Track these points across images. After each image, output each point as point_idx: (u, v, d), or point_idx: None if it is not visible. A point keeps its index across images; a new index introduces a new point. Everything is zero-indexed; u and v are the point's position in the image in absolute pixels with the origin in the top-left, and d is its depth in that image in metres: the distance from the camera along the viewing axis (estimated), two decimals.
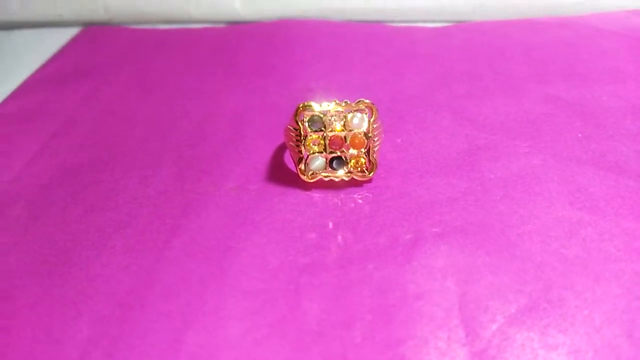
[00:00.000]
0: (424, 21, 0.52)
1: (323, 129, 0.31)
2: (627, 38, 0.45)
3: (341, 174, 0.32)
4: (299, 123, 0.31)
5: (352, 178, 0.32)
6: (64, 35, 0.51)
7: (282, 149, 0.35)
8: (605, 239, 0.27)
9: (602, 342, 0.23)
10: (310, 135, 0.31)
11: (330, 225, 0.29)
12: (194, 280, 0.26)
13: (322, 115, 0.31)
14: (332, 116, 0.31)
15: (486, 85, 0.41)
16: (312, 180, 0.32)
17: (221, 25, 0.53)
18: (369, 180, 0.32)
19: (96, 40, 0.49)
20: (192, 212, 0.30)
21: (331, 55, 0.46)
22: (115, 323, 0.24)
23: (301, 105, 0.30)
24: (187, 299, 0.25)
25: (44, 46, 0.50)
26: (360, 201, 0.31)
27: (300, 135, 0.31)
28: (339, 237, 0.28)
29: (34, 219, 0.30)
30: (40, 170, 0.34)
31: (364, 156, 0.32)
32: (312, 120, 0.31)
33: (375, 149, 0.32)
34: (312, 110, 0.31)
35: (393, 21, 0.52)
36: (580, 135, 0.35)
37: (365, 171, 0.32)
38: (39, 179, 0.33)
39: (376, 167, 0.32)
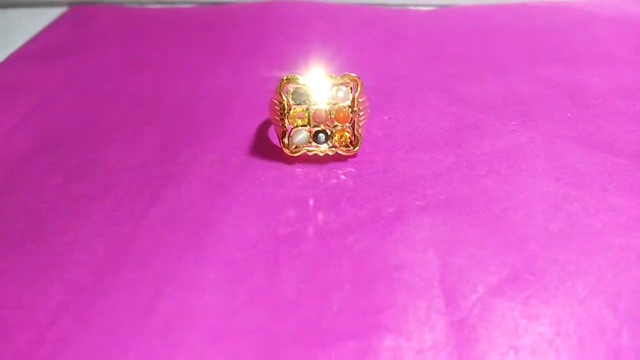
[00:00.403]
0: (416, 5, 0.52)
1: (307, 102, 0.30)
2: (618, 23, 0.44)
3: (325, 148, 0.31)
4: (283, 96, 0.30)
5: (337, 153, 0.31)
6: (52, 15, 0.51)
7: (267, 124, 0.35)
8: (591, 214, 0.27)
9: (585, 314, 0.22)
10: (294, 109, 0.31)
11: (312, 199, 0.29)
12: (170, 249, 0.25)
13: (306, 88, 0.30)
14: (316, 89, 0.30)
15: (476, 67, 0.40)
16: (295, 154, 0.31)
17: (211, 5, 0.52)
18: (354, 155, 0.32)
19: (83, 18, 0.49)
20: (172, 183, 0.29)
21: (321, 36, 0.45)
22: (88, 289, 0.23)
23: (285, 77, 0.30)
24: (163, 267, 0.24)
25: (32, 25, 0.49)
26: (343, 177, 0.31)
27: (284, 108, 0.30)
28: (321, 210, 0.28)
29: (10, 188, 0.29)
30: (19, 142, 0.33)
31: (349, 130, 0.31)
32: (296, 93, 0.30)
33: (361, 123, 0.31)
34: (297, 83, 0.30)
35: (385, 4, 0.52)
36: (569, 115, 0.34)
37: (350, 146, 0.31)
38: (17, 150, 0.32)
39: (361, 142, 0.31)
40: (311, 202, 0.28)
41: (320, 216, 0.27)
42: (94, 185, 0.29)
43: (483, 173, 0.30)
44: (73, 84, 0.39)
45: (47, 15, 0.52)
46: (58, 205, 0.28)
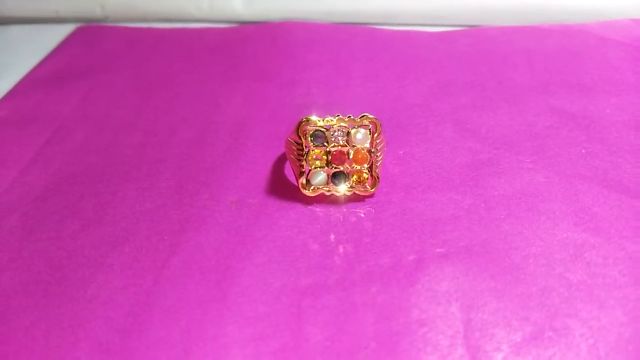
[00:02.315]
0: (425, 25, 0.52)
1: (326, 144, 0.30)
2: (631, 47, 0.44)
3: (343, 189, 0.31)
4: (302, 137, 0.30)
5: (354, 193, 0.31)
6: (59, 32, 0.50)
7: (282, 159, 0.35)
8: (609, 264, 0.27)
9: None
10: (312, 150, 0.30)
11: (333, 243, 0.29)
12: (193, 303, 0.25)
13: (325, 130, 0.30)
14: (335, 131, 0.30)
15: (489, 95, 0.40)
16: (313, 195, 0.31)
17: (221, 25, 0.52)
18: (371, 195, 0.32)
19: (91, 39, 0.48)
20: (191, 228, 0.29)
21: (332, 60, 0.45)
22: (113, 350, 0.23)
23: (304, 119, 0.30)
24: (187, 324, 0.24)
25: (40, 42, 0.48)
26: (362, 215, 0.31)
27: (302, 149, 0.30)
28: (341, 258, 0.28)
29: (28, 232, 0.29)
30: (35, 180, 0.33)
31: (367, 171, 0.31)
32: (314, 135, 0.30)
33: (378, 163, 0.31)
34: (315, 125, 0.30)
35: (393, 24, 0.52)
36: (584, 151, 0.34)
37: (368, 186, 0.31)
38: (33, 189, 0.32)
39: (378, 182, 0.31)
40: (331, 249, 0.28)
41: (341, 264, 0.28)
42: (112, 230, 0.29)
43: (501, 216, 0.30)
44: (84, 114, 0.39)
45: (50, 33, 0.51)
46: (78, 253, 0.28)
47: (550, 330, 0.24)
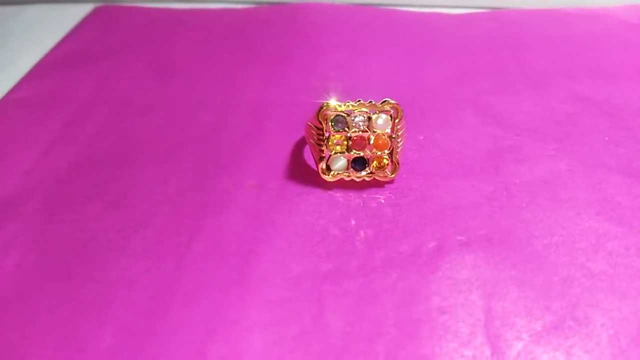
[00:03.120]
0: (444, 6, 0.51)
1: (346, 129, 0.30)
2: None
3: (363, 174, 0.31)
4: (322, 122, 0.30)
5: (374, 178, 0.31)
6: (76, 12, 0.50)
7: (301, 143, 0.35)
8: (631, 254, 0.27)
9: None
10: (333, 135, 0.30)
11: (352, 230, 0.29)
12: (215, 287, 0.25)
13: (345, 115, 0.30)
14: (355, 116, 0.30)
15: (511, 80, 0.40)
16: (333, 180, 0.31)
17: (237, 5, 0.52)
18: (391, 181, 0.32)
19: (109, 20, 0.48)
20: (211, 213, 0.29)
21: (350, 43, 0.44)
22: (138, 332, 0.23)
23: (325, 104, 0.30)
24: (209, 308, 0.24)
25: (57, 22, 0.48)
26: (382, 201, 0.31)
27: (322, 134, 0.30)
28: (361, 243, 0.28)
29: (50, 213, 0.30)
30: (56, 162, 0.33)
31: (387, 157, 0.31)
32: (335, 120, 0.30)
33: (398, 149, 0.31)
34: (336, 110, 0.30)
35: (412, 5, 0.51)
36: (607, 139, 0.34)
37: (388, 172, 0.31)
38: (55, 171, 0.32)
39: (398, 168, 0.31)
40: (351, 235, 0.28)
41: (361, 250, 0.28)
42: (133, 214, 0.29)
43: (523, 204, 0.30)
44: (104, 96, 0.39)
45: (66, 13, 0.51)
46: (101, 236, 0.28)
47: (571, 319, 0.24)
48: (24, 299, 0.25)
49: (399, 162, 0.31)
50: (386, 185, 0.32)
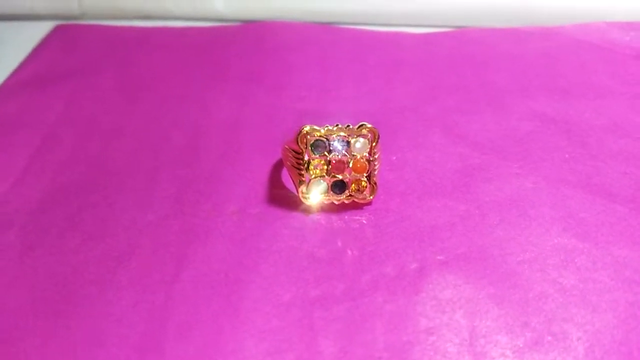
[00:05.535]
0: (408, 25, 0.52)
1: (326, 153, 0.31)
2: (605, 51, 0.46)
3: (342, 197, 0.32)
4: (302, 147, 0.30)
5: (353, 201, 0.32)
6: (35, 30, 0.48)
7: (278, 165, 0.35)
8: (598, 268, 0.29)
9: None
10: (313, 160, 0.31)
11: (337, 252, 0.29)
12: (207, 319, 0.26)
13: (325, 140, 0.31)
14: (334, 140, 0.31)
15: (474, 98, 0.41)
16: (314, 204, 0.32)
17: (201, 23, 0.51)
18: (369, 203, 0.32)
19: (71, 39, 0.47)
20: (196, 240, 0.29)
21: (319, 62, 0.45)
22: None
23: (305, 129, 0.30)
24: (203, 341, 0.25)
25: (15, 41, 0.47)
26: (364, 222, 0.31)
27: (302, 158, 0.31)
28: (347, 267, 0.29)
29: (27, 248, 0.29)
30: (28, 192, 0.32)
31: (365, 180, 0.32)
32: (315, 145, 0.31)
33: (375, 172, 0.32)
34: (314, 135, 0.30)
35: (377, 24, 0.52)
36: (567, 156, 0.36)
37: (366, 194, 0.32)
38: (29, 201, 0.31)
39: (376, 190, 0.32)
40: (336, 258, 0.29)
41: (346, 273, 0.28)
42: (115, 244, 0.29)
43: (495, 222, 0.31)
44: (72, 119, 0.38)
45: (25, 31, 0.49)
46: (83, 269, 0.28)
47: (549, 334, 0.26)
48: (8, 339, 0.25)
49: (377, 184, 0.32)
50: (364, 207, 0.32)
